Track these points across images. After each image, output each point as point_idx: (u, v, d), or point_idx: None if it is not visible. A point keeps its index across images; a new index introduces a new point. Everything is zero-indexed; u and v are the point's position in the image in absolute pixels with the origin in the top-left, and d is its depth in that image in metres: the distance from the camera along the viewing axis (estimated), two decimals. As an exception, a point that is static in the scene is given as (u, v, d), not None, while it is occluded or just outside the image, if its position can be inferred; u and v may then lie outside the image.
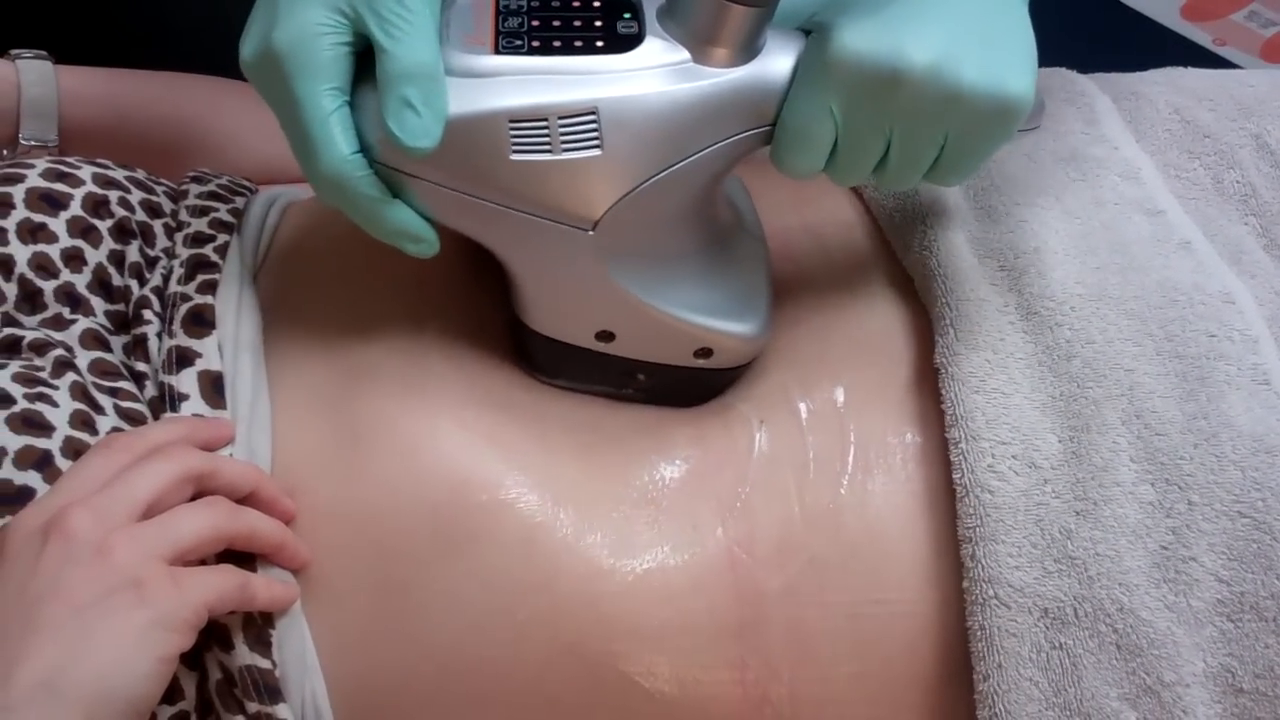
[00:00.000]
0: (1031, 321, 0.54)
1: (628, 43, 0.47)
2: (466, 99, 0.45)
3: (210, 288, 0.55)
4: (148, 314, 0.54)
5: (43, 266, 0.53)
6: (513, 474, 0.52)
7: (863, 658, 0.51)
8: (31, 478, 0.47)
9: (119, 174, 0.58)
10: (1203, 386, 0.51)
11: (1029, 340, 0.53)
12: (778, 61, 0.48)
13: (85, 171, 0.56)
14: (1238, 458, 0.50)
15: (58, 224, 0.54)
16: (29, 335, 0.51)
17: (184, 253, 0.56)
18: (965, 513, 0.50)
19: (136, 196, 0.58)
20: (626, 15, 0.48)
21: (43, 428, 0.48)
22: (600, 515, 0.52)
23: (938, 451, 0.52)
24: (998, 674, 0.49)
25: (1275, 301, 0.55)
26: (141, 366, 0.53)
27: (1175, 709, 0.48)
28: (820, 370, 0.55)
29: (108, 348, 0.53)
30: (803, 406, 0.54)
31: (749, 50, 0.47)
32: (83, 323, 0.53)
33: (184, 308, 0.54)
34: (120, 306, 0.55)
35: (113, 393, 0.52)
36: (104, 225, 0.55)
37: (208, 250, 0.56)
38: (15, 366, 0.50)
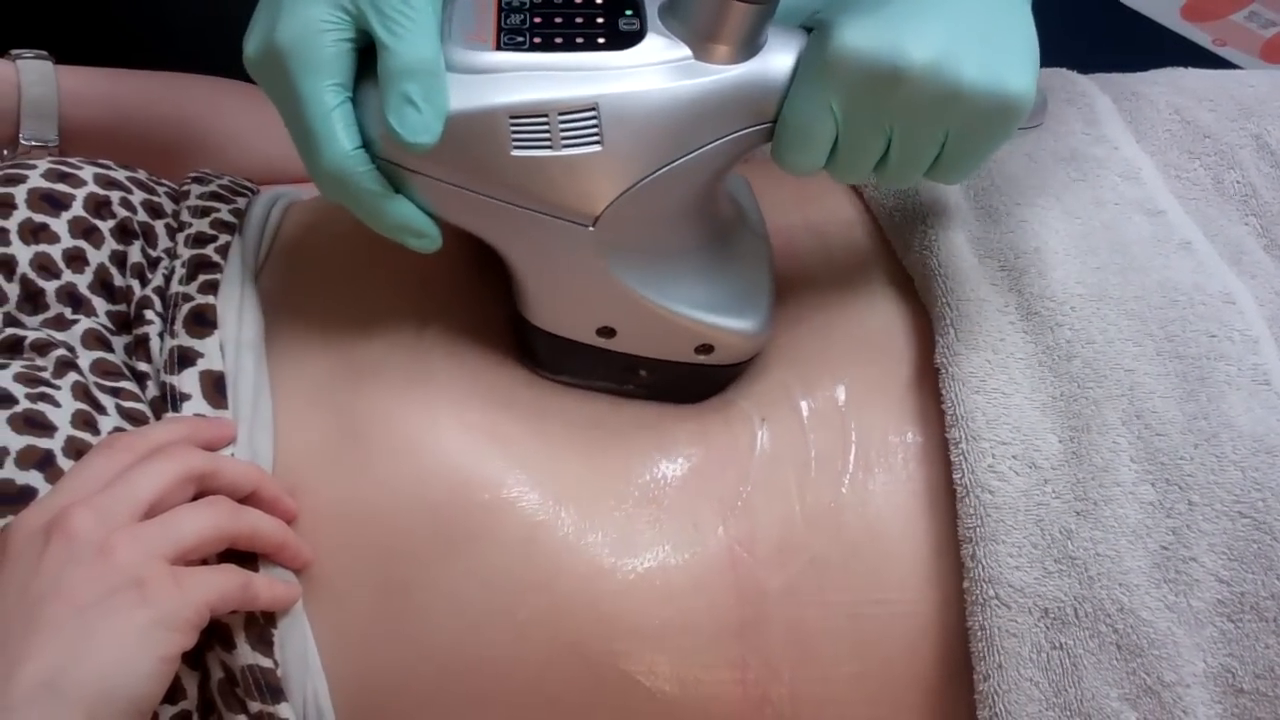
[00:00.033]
0: (1032, 321, 0.54)
1: (629, 39, 0.47)
2: (467, 95, 0.46)
3: (212, 288, 0.55)
4: (149, 314, 0.54)
5: (45, 267, 0.53)
6: (514, 473, 0.52)
7: (863, 657, 0.51)
8: (33, 477, 0.47)
9: (120, 174, 0.58)
10: (1203, 387, 0.51)
11: (1029, 340, 0.53)
12: (779, 59, 0.48)
13: (87, 172, 0.57)
14: (1238, 458, 0.50)
15: (59, 224, 0.54)
16: (31, 335, 0.52)
17: (186, 253, 0.56)
18: (965, 513, 0.50)
19: (138, 197, 0.58)
20: (628, 12, 0.48)
21: (44, 427, 0.48)
22: (601, 514, 0.52)
23: (938, 451, 0.52)
24: (998, 674, 0.49)
25: (1275, 302, 0.55)
26: (143, 366, 0.53)
27: (1175, 709, 0.48)
28: (822, 368, 0.55)
29: (109, 348, 0.53)
30: (804, 405, 0.54)
31: (750, 47, 0.47)
32: (84, 323, 0.53)
33: (186, 308, 0.54)
34: (122, 307, 0.55)
35: (114, 393, 0.52)
36: (106, 226, 0.55)
37: (209, 250, 0.56)
38: (17, 366, 0.50)
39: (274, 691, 0.48)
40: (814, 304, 0.58)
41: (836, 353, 0.56)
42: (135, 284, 0.55)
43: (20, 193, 0.54)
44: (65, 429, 0.49)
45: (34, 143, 0.67)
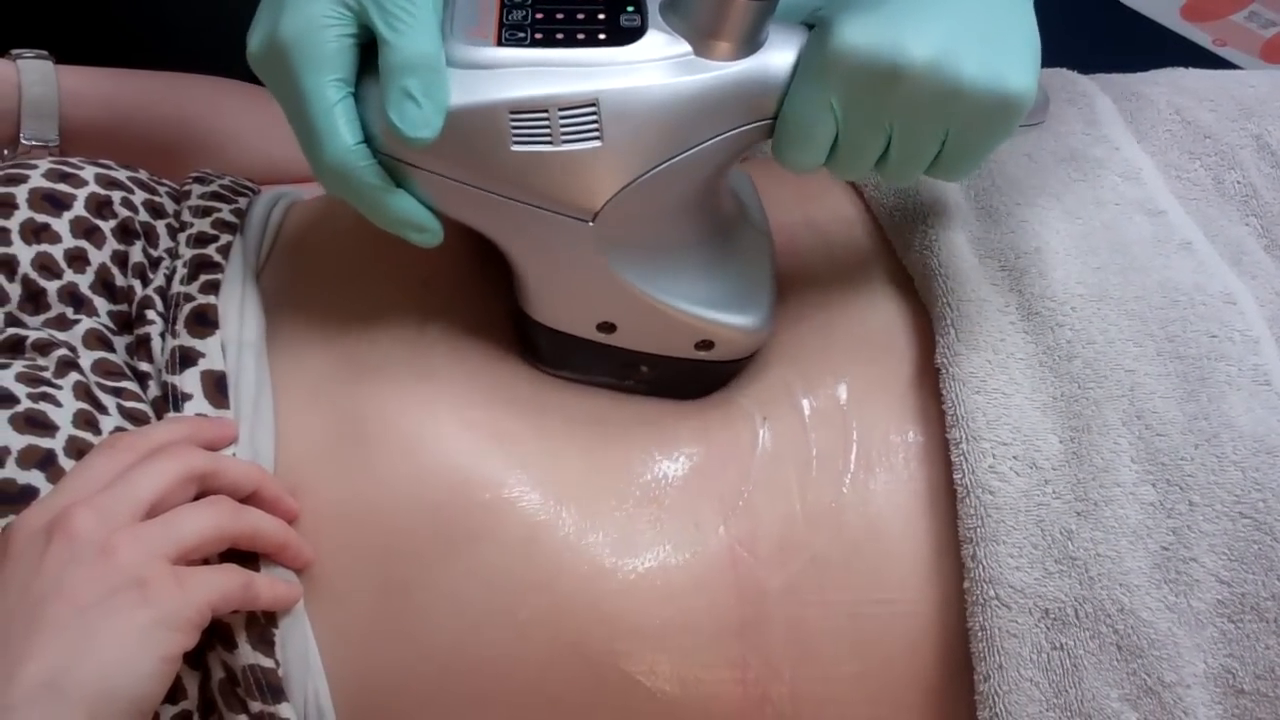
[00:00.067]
0: (1032, 322, 0.54)
1: (630, 35, 0.47)
2: (468, 90, 0.46)
3: (213, 288, 0.55)
4: (151, 314, 0.54)
5: (46, 267, 0.53)
6: (515, 472, 0.52)
7: (864, 657, 0.51)
8: (35, 477, 0.47)
9: (122, 174, 0.58)
10: (1204, 387, 0.51)
11: (1030, 341, 0.53)
12: (779, 55, 0.48)
13: (88, 172, 0.57)
14: (1239, 458, 0.50)
15: (61, 224, 0.54)
16: (32, 335, 0.52)
17: (187, 253, 0.56)
18: (966, 513, 0.50)
19: (139, 197, 0.58)
20: (630, 9, 0.48)
21: (46, 427, 0.48)
22: (602, 514, 0.52)
23: (939, 451, 0.52)
24: (998, 674, 0.49)
25: (1276, 302, 0.55)
26: (144, 366, 0.53)
27: (1176, 710, 0.48)
28: (823, 366, 0.55)
29: (111, 348, 0.53)
30: (805, 403, 0.54)
31: (751, 44, 0.47)
32: (86, 323, 0.53)
33: (187, 308, 0.54)
34: (123, 307, 0.55)
35: (116, 392, 0.52)
36: (107, 225, 0.55)
37: (210, 250, 0.56)
38: (19, 366, 0.50)
39: (275, 691, 0.48)
40: (815, 302, 0.58)
41: (838, 351, 0.56)
42: (136, 284, 0.55)
43: (22, 193, 0.54)
44: (66, 429, 0.49)
45: (34, 143, 0.67)
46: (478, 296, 0.57)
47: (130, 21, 0.90)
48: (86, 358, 0.52)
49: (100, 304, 0.54)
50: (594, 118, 0.46)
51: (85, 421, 0.49)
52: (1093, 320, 0.53)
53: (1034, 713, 0.48)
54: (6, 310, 0.53)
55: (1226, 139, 0.62)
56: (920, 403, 0.54)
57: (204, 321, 0.54)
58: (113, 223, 0.56)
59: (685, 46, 0.47)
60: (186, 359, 0.53)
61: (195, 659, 0.49)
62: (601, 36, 0.47)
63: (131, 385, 0.52)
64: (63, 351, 0.51)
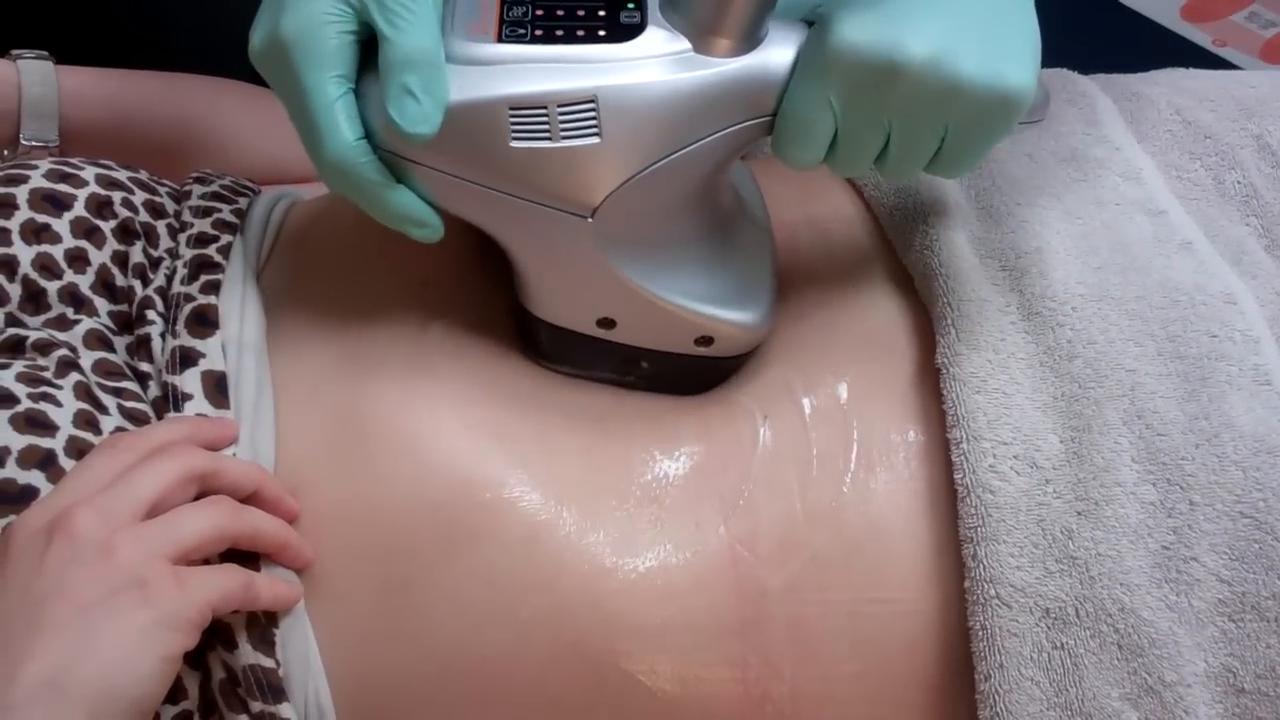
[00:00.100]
0: (1033, 322, 0.54)
1: (629, 32, 0.47)
2: (467, 86, 0.46)
3: (214, 288, 0.55)
4: (151, 314, 0.54)
5: (46, 267, 0.53)
6: (515, 472, 0.52)
7: (864, 656, 0.51)
8: (35, 477, 0.47)
9: (122, 175, 0.58)
10: (1204, 387, 0.51)
11: (1030, 340, 0.53)
12: (779, 52, 0.48)
13: (88, 172, 0.57)
14: (1239, 458, 0.50)
15: (61, 224, 0.54)
16: (33, 335, 0.52)
17: (187, 253, 0.56)
18: (967, 512, 0.50)
19: (140, 197, 0.58)
20: (630, 5, 0.48)
21: (46, 427, 0.48)
22: (603, 513, 0.52)
23: (940, 450, 0.52)
24: (999, 674, 0.49)
25: (1276, 302, 0.55)
26: (145, 367, 0.53)
27: (1176, 709, 0.48)
28: (824, 365, 0.55)
29: (111, 348, 0.53)
30: (806, 402, 0.54)
31: (750, 40, 0.48)
32: (86, 323, 0.53)
33: (187, 308, 0.54)
34: (124, 307, 0.55)
35: (116, 393, 0.52)
36: (107, 226, 0.55)
37: (211, 250, 0.57)
38: (19, 366, 0.50)
39: (275, 691, 0.48)
40: (816, 300, 0.58)
41: (839, 350, 0.56)
42: (137, 284, 0.55)
43: (22, 193, 0.54)
44: (67, 429, 0.49)
45: (34, 143, 0.67)
46: (478, 294, 0.57)
47: (130, 21, 0.90)
48: (87, 358, 0.52)
49: (100, 304, 0.54)
50: (593, 114, 0.46)
51: (85, 421, 0.49)
52: (1093, 320, 0.53)
53: (1035, 712, 0.48)
54: (7, 310, 0.53)
55: (1227, 139, 0.62)
56: (921, 402, 0.54)
57: (204, 322, 0.54)
58: (113, 223, 0.56)
59: (685, 43, 0.47)
60: (187, 359, 0.53)
61: (196, 659, 0.49)
62: (601, 33, 0.47)
63: (132, 385, 0.52)
64: (63, 352, 0.51)
